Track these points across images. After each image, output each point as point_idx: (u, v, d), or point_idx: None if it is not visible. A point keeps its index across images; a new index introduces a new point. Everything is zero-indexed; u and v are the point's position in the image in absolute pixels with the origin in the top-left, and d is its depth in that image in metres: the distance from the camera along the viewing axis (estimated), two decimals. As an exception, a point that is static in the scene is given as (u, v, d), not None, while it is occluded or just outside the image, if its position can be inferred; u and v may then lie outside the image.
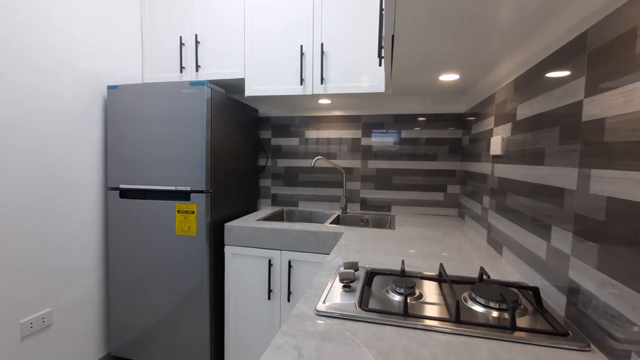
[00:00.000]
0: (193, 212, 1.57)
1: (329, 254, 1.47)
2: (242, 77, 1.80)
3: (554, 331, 0.63)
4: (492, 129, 1.34)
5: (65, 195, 1.54)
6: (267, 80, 1.77)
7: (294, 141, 2.13)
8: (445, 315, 0.71)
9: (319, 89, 1.71)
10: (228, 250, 1.62)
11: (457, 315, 0.68)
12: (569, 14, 0.75)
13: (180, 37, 1.84)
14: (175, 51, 1.88)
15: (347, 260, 1.10)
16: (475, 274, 0.98)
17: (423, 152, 1.95)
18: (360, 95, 1.74)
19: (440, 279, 0.89)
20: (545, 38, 0.87)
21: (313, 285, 0.87)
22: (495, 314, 0.72)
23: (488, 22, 0.82)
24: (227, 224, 1.62)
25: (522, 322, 0.69)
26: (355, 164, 2.04)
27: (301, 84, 1.72)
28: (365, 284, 0.84)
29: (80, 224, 1.62)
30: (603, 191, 0.61)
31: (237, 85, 1.97)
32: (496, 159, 1.26)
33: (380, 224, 1.95)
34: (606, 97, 0.62)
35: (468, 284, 0.87)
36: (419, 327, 0.67)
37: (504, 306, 0.73)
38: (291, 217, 2.09)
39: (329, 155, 2.07)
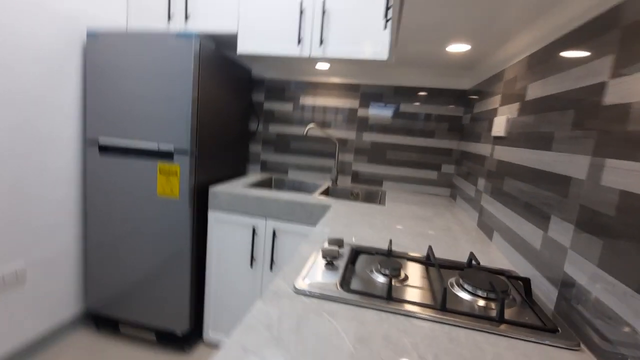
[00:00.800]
0: (176, 173, 1.49)
1: (315, 226, 1.43)
2: (235, 32, 1.65)
3: (543, 327, 0.60)
4: (496, 109, 1.26)
5: (41, 146, 1.44)
6: (261, 37, 1.63)
7: (287, 106, 2.02)
8: (431, 302, 0.68)
9: (317, 52, 1.58)
10: (212, 215, 1.56)
11: (443, 303, 0.64)
12: (606, -20, 0.65)
13: (169, -20, 1.66)
14: (162, -5, 1.71)
15: (333, 234, 1.06)
16: (462, 258, 0.95)
17: (421, 128, 1.87)
18: (361, 62, 1.62)
19: (428, 262, 0.85)
20: (571, 9, 0.78)
21: (295, 260, 0.82)
22: (482, 303, 0.69)
23: (513, -18, 0.72)
24: (212, 189, 1.55)
25: (509, 313, 0.66)
26: (350, 135, 1.96)
27: (298, 44, 1.59)
28: (349, 263, 0.80)
29: (56, 178, 1.52)
30: (617, 184, 0.56)
31: (229, 42, 1.82)
32: (497, 140, 1.20)
33: (370, 198, 1.90)
34: (637, 80, 0.55)
35: (456, 269, 0.83)
36: (402, 312, 0.63)
37: (492, 296, 0.69)
38: (280, 185, 2.03)
39: (324, 125, 1.98)
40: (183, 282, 1.57)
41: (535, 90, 0.94)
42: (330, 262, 0.79)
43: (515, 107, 1.08)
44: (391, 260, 0.79)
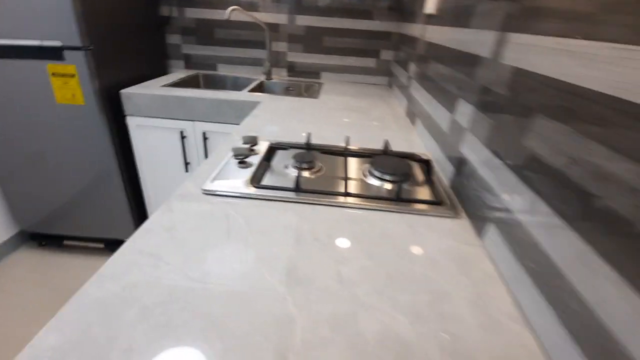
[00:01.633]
0: (73, 75, 1.27)
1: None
2: None
3: (432, 201, 0.66)
4: (431, -20, 1.13)
5: None
6: None
7: (204, -17, 1.68)
8: (340, 190, 0.70)
9: None
10: (131, 121, 1.42)
11: (346, 189, 0.67)
12: None
13: None
14: None
15: (255, 132, 1.01)
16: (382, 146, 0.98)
17: (359, 7, 1.69)
18: None
19: (342, 153, 0.86)
20: None
21: (208, 162, 0.79)
22: (389, 186, 0.74)
23: None
24: (123, 91, 1.37)
25: (411, 193, 0.71)
26: (281, 18, 1.72)
27: None
28: (263, 160, 0.79)
29: None
30: (512, 60, 0.54)
31: None
32: (429, 19, 1.11)
33: (307, 92, 1.82)
34: None
35: (368, 157, 0.86)
36: (308, 202, 0.65)
37: (396, 179, 0.74)
38: (210, 83, 1.85)
39: (250, 6, 1.71)
40: (117, 192, 1.52)
41: (465, -47, 0.83)
42: (243, 160, 0.77)
43: (446, -24, 0.97)
44: (306, 154, 0.79)
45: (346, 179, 0.74)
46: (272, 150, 0.85)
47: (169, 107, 1.37)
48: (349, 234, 0.57)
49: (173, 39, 1.80)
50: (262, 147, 0.86)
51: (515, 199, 0.49)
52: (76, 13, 1.18)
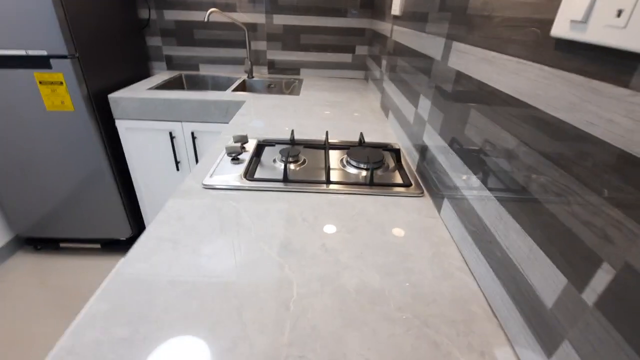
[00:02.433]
0: (61, 82, 1.32)
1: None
2: None
3: (401, 183, 0.79)
4: (396, -17, 1.24)
5: None
6: None
7: (181, -14, 1.73)
8: (322, 179, 0.82)
9: None
10: (120, 124, 1.48)
11: (327, 178, 0.78)
12: None
13: None
14: None
15: (242, 130, 1.11)
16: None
17: (332, 6, 1.78)
18: None
19: (322, 146, 0.97)
20: None
21: (204, 160, 0.89)
22: (364, 173, 0.85)
23: None
24: (111, 95, 1.43)
25: (383, 178, 0.83)
26: (259, 18, 1.80)
27: None
28: (253, 156, 0.89)
29: None
30: (455, 64, 0.67)
31: None
32: (395, 20, 1.22)
33: (288, 89, 1.91)
34: (478, -40, 0.59)
35: (346, 149, 0.97)
36: (295, 190, 0.77)
37: (370, 166, 0.86)
38: (193, 84, 1.91)
39: (227, 7, 1.77)
40: (111, 194, 1.58)
41: (422, -36, 0.94)
42: (236, 157, 0.87)
43: (408, -18, 1.08)
44: (291, 149, 0.90)
45: (327, 169, 0.86)
46: (260, 147, 0.95)
47: (156, 110, 1.44)
48: (331, 215, 0.69)
49: (154, 41, 1.84)
50: (251, 145, 0.96)
51: (461, 177, 0.61)
52: (60, 22, 1.23)
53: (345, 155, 0.91)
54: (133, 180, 1.62)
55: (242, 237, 0.61)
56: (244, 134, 0.96)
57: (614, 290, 0.29)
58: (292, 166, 0.87)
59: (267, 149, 0.97)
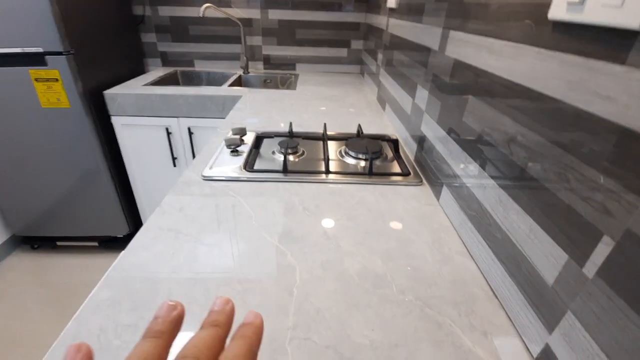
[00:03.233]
0: (57, 79, 1.30)
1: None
2: None
3: (399, 173, 0.79)
4: (392, -24, 1.24)
5: None
6: None
7: (174, -19, 1.71)
8: (321, 169, 0.82)
9: None
10: (116, 121, 1.47)
11: (326, 168, 0.79)
12: None
13: None
14: None
15: (241, 124, 1.11)
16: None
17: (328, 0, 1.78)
18: None
19: (321, 137, 0.98)
20: None
21: (202, 153, 0.89)
22: (363, 164, 0.86)
23: None
24: (107, 92, 1.42)
25: (381, 168, 0.84)
26: (254, 13, 1.79)
27: None
28: (252, 148, 0.89)
29: None
30: (453, 53, 0.67)
31: None
32: (391, 12, 1.23)
33: (284, 84, 1.91)
34: (474, -52, 0.60)
35: (344, 140, 0.97)
36: (295, 180, 0.77)
37: (368, 157, 0.86)
38: (189, 80, 1.90)
39: (222, 2, 1.76)
40: (107, 191, 1.57)
41: (417, -45, 0.94)
42: (235, 149, 0.87)
43: (404, -26, 1.08)
44: (290, 141, 0.90)
45: (326, 159, 0.86)
46: (259, 139, 0.95)
47: (152, 106, 1.43)
48: (332, 204, 0.69)
49: (148, 37, 1.83)
50: (250, 137, 0.96)
51: (460, 165, 0.62)
52: (56, 19, 1.22)
53: (344, 146, 0.91)
54: (129, 177, 1.61)
55: (243, 226, 0.61)
56: (242, 126, 0.96)
57: (616, 258, 0.30)
58: (291, 157, 0.87)
59: (265, 141, 0.97)
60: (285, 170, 0.79)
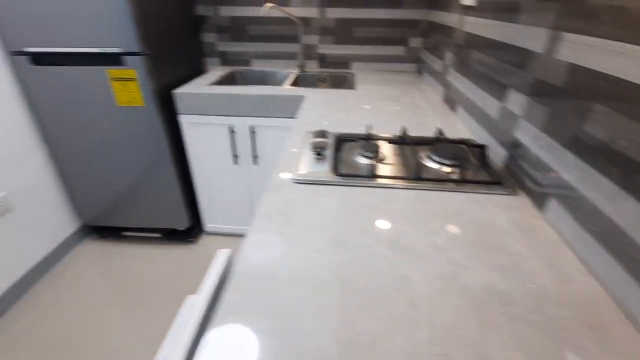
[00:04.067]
0: (133, 79, 1.37)
1: (293, 117, 1.47)
2: None
3: (492, 181, 0.77)
4: (467, -28, 1.19)
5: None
6: None
7: (236, -19, 1.75)
8: (406, 174, 0.81)
9: None
10: (183, 119, 1.53)
11: (417, 174, 0.77)
12: None
13: None
14: None
15: (313, 125, 1.12)
16: (429, 132, 1.07)
17: (386, -3, 1.74)
18: None
19: (403, 141, 0.96)
20: None
21: (285, 155, 0.90)
22: (447, 169, 0.84)
23: None
24: (177, 91, 1.47)
25: (468, 174, 0.81)
26: (312, 12, 1.79)
27: None
28: (335, 151, 0.89)
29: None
30: (568, 57, 0.63)
31: None
32: (467, 10, 1.18)
33: (339, 83, 1.90)
34: (607, -56, 0.56)
35: (425, 144, 0.95)
36: (384, 186, 0.76)
37: (455, 163, 0.84)
38: (245, 80, 1.94)
39: (281, 2, 1.77)
40: (171, 185, 1.65)
41: (509, -49, 0.89)
42: (320, 152, 0.87)
43: (486, -30, 1.03)
44: (370, 144, 0.89)
45: (416, 165, 0.85)
46: (339, 141, 0.95)
47: (217, 104, 1.48)
48: (429, 212, 0.68)
49: (208, 37, 1.88)
50: (330, 140, 0.97)
51: (578, 175, 0.59)
52: (134, 21, 1.28)
53: (428, 151, 0.89)
54: (192, 172, 1.68)
55: (345, 231, 0.62)
56: (316, 129, 0.96)
57: None
58: (374, 161, 0.87)
59: (344, 144, 0.97)
60: (373, 175, 0.78)
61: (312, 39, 1.86)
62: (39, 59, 1.37)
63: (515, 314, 0.47)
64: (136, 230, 1.82)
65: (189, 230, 1.81)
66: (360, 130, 1.08)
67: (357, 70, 1.94)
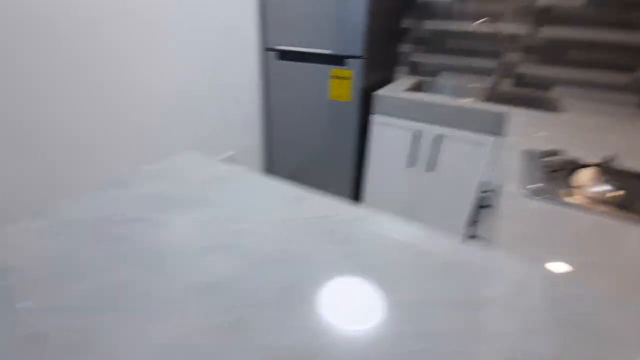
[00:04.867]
0: (348, 78, 1.61)
1: (492, 134, 1.46)
2: None
3: None
4: None
5: (232, 57, 1.69)
6: None
7: (447, -3, 1.83)
8: (667, 216, 0.72)
9: None
10: (375, 118, 1.71)
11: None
12: None
13: None
14: None
15: (523, 144, 1.10)
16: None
17: (617, 17, 1.53)
18: None
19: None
20: None
21: (504, 169, 0.92)
22: None
23: None
24: (377, 93, 1.65)
25: None
26: (522, 29, 1.73)
27: None
28: (567, 173, 0.87)
29: (248, 82, 1.82)
30: None
31: None
32: None
33: (536, 104, 1.77)
34: None
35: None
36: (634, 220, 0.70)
37: None
38: (431, 90, 2.01)
39: (491, 17, 1.76)
40: (345, 173, 1.86)
41: None
42: (551, 171, 0.86)
43: None
44: (613, 173, 0.83)
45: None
46: (569, 165, 0.92)
47: (411, 110, 1.59)
48: None
49: (404, 47, 2.03)
50: (557, 161, 0.94)
51: None
52: (365, 28, 1.49)
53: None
54: (367, 168, 1.85)
55: (621, 261, 0.61)
56: (539, 148, 0.95)
57: None
58: (618, 192, 0.80)
59: (578, 169, 0.92)
60: (623, 207, 0.73)
61: (513, 57, 1.80)
62: (283, 55, 1.75)
63: None
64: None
65: (348, 216, 2.01)
66: (583, 156, 1.00)
67: (559, 94, 1.77)
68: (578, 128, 1.29)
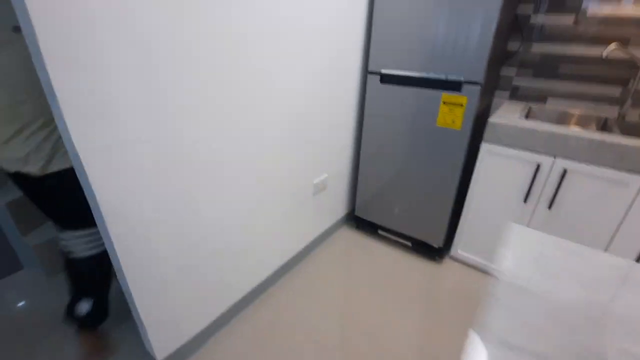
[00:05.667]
0: (462, 104, 1.51)
1: (629, 172, 1.29)
2: None
3: None
4: None
5: (338, 80, 1.64)
6: None
7: (565, 19, 1.68)
8: None
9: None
10: (485, 147, 1.58)
11: None
12: None
13: None
14: None
15: None
16: None
17: None
18: None
19: None
20: None
21: None
22: None
23: None
24: (491, 120, 1.53)
25: None
26: (655, 55, 1.55)
27: None
28: None
29: (346, 106, 1.76)
30: None
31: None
32: None
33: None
34: None
35: None
36: None
37: None
38: (538, 117, 1.85)
39: (620, 41, 1.60)
40: (446, 204, 1.73)
41: None
42: None
43: None
44: None
45: None
46: None
47: (529, 140, 1.45)
48: None
49: (507, 71, 1.90)
50: None
51: None
52: (489, 54, 1.39)
53: None
54: (468, 195, 1.71)
55: None
56: None
57: None
58: None
59: None
60: None
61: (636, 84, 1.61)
62: (384, 79, 1.67)
63: None
64: (392, 232, 2.01)
65: (439, 249, 1.87)
66: None
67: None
68: None
